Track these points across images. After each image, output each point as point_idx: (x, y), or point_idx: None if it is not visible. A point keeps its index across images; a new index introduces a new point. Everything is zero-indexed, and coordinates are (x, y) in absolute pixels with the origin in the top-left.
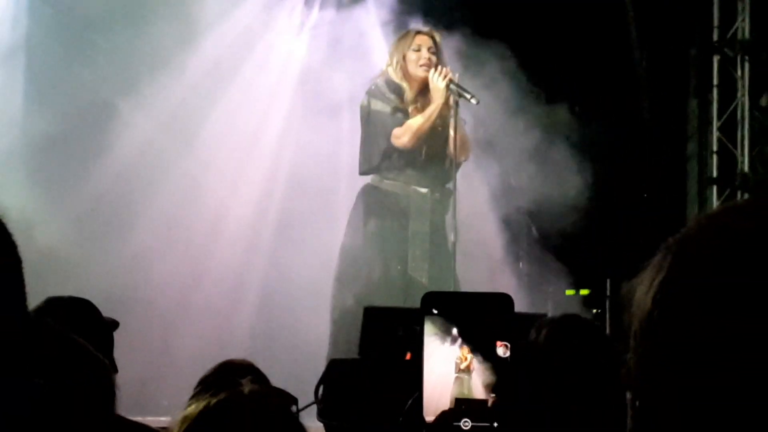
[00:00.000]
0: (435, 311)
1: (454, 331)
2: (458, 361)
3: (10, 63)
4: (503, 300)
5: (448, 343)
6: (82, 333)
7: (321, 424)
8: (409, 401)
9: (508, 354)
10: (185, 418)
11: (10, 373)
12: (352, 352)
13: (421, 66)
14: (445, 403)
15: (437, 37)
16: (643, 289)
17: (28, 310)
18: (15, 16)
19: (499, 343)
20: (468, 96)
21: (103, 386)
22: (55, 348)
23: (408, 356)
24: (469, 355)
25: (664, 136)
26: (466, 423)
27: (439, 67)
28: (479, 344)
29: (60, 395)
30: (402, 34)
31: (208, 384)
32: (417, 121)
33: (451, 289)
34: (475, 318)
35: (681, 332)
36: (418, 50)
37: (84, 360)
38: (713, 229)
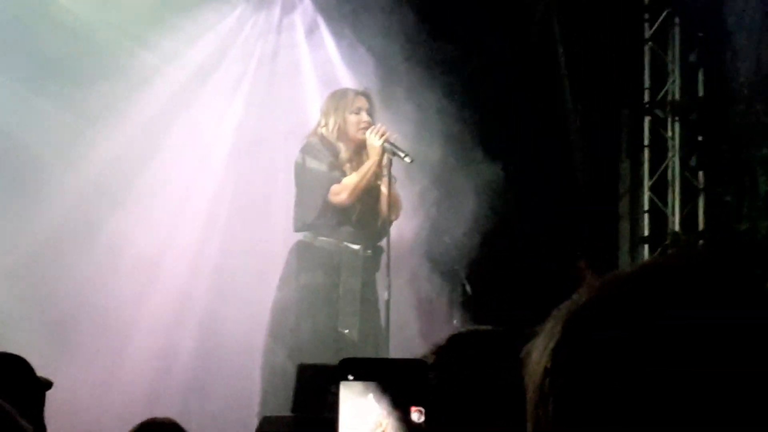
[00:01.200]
0: (351, 377)
1: (370, 396)
2: (374, 427)
3: None
4: (418, 365)
5: (363, 409)
6: (12, 390)
7: None
8: None
9: (422, 419)
10: None
11: None
12: (284, 409)
13: (360, 129)
14: None
15: (372, 96)
16: (536, 356)
17: None
18: None
19: (413, 408)
20: (402, 154)
21: None
22: None
23: None
24: (385, 421)
25: (597, 195)
26: None
27: (377, 126)
28: (394, 410)
29: None
30: (338, 93)
31: None
32: (353, 179)
33: (383, 346)
34: (390, 384)
35: (570, 400)
36: (358, 113)
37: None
38: (600, 299)
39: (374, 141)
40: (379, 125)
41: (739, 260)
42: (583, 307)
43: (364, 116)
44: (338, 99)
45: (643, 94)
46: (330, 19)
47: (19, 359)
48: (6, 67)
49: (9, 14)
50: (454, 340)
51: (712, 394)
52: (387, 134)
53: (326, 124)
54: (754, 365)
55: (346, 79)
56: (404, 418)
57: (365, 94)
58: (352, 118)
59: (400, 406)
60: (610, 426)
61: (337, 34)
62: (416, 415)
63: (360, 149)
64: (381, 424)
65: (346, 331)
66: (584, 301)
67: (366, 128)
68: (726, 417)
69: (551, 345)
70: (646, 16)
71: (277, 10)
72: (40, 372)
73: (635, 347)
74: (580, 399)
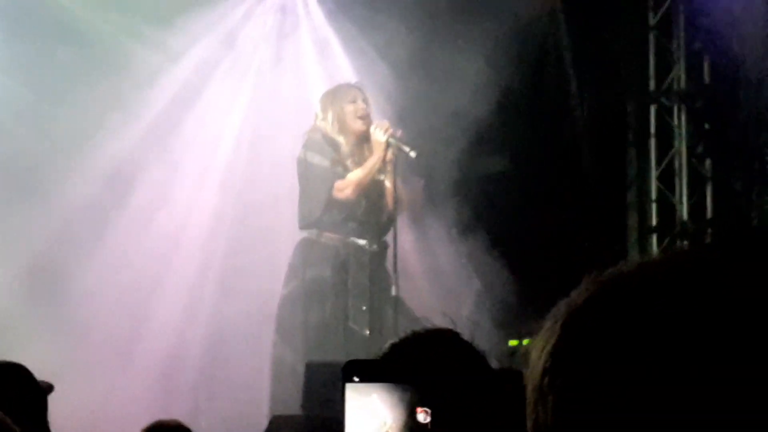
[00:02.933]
0: (356, 379)
1: (374, 397)
2: (378, 429)
3: None
4: (424, 367)
5: (369, 411)
6: (14, 397)
7: None
8: None
9: (428, 420)
10: None
11: None
12: (294, 406)
13: (359, 118)
14: None
15: (364, 90)
16: (535, 355)
17: None
18: None
19: (419, 409)
20: (406, 149)
21: None
22: None
23: None
24: (389, 422)
25: (604, 186)
26: None
27: (382, 122)
28: (399, 411)
29: None
30: (332, 89)
31: None
32: (358, 174)
33: (392, 341)
34: (396, 385)
35: (569, 399)
36: (354, 102)
37: None
38: (599, 298)
39: (379, 136)
40: (384, 121)
41: (746, 253)
42: (582, 305)
43: (361, 104)
44: (333, 93)
45: (648, 82)
46: (333, 15)
47: (19, 367)
48: (8, 69)
49: (10, 16)
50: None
51: (713, 393)
52: (391, 129)
53: (325, 118)
54: (756, 364)
55: (350, 74)
56: (410, 419)
57: (358, 86)
58: (349, 108)
59: (405, 407)
60: (609, 424)
61: (340, 30)
62: (422, 416)
63: (361, 142)
64: (385, 425)
65: (356, 326)
66: (583, 300)
67: (363, 116)
68: (727, 415)
69: (550, 344)
70: (651, 3)
71: (277, 7)
72: (47, 372)
73: (634, 346)
74: (579, 398)
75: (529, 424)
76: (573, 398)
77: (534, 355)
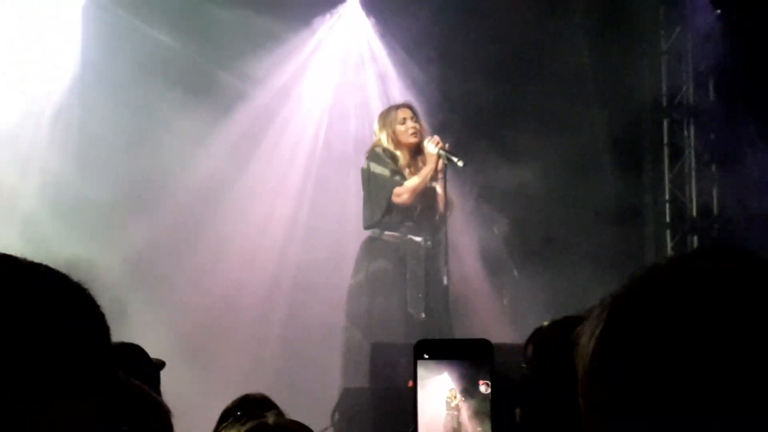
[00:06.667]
0: (426, 356)
1: (444, 373)
2: (448, 400)
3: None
4: (484, 345)
5: (439, 384)
6: (133, 373)
7: None
8: None
9: (489, 391)
10: None
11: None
12: (361, 381)
13: (411, 135)
14: None
15: (413, 106)
16: (585, 340)
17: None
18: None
19: (481, 382)
20: (455, 159)
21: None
22: (124, 395)
23: (410, 384)
24: (458, 394)
25: (625, 188)
26: None
27: (434, 137)
28: (465, 384)
29: None
30: (383, 113)
31: (232, 415)
32: (414, 182)
33: (446, 324)
34: (461, 361)
35: (616, 380)
36: (404, 123)
37: (148, 406)
38: (641, 287)
39: (431, 149)
40: (435, 136)
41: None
42: (626, 295)
43: (410, 123)
44: (384, 117)
45: (661, 99)
46: (391, 41)
47: (135, 347)
48: (116, 90)
49: (109, 46)
50: (549, 330)
51: (742, 376)
52: (441, 143)
53: (380, 138)
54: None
55: (405, 95)
56: (474, 390)
57: (407, 105)
58: (400, 128)
59: (469, 380)
60: (652, 403)
61: (394, 55)
62: (483, 388)
63: (415, 154)
64: (455, 397)
65: (414, 311)
66: (626, 290)
67: (415, 133)
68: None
69: (598, 330)
70: (662, 32)
71: (345, 38)
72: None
73: (672, 333)
74: (625, 379)
75: (582, 403)
76: (619, 379)
77: (584, 340)
